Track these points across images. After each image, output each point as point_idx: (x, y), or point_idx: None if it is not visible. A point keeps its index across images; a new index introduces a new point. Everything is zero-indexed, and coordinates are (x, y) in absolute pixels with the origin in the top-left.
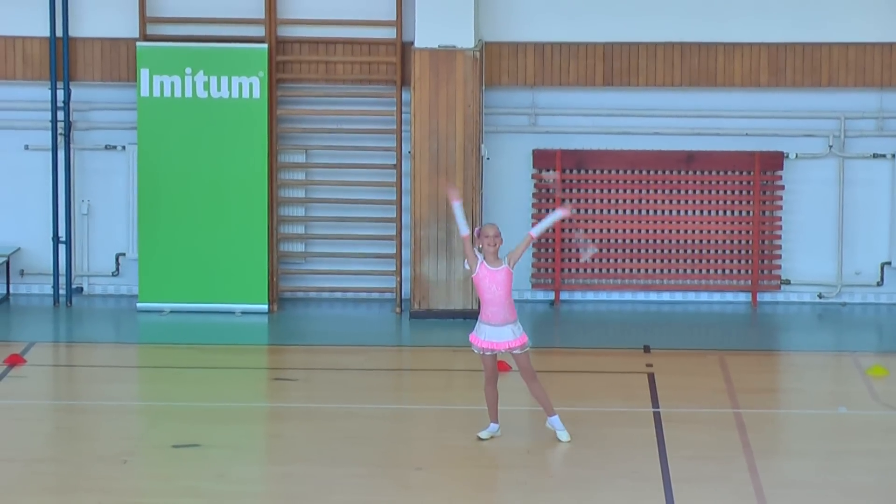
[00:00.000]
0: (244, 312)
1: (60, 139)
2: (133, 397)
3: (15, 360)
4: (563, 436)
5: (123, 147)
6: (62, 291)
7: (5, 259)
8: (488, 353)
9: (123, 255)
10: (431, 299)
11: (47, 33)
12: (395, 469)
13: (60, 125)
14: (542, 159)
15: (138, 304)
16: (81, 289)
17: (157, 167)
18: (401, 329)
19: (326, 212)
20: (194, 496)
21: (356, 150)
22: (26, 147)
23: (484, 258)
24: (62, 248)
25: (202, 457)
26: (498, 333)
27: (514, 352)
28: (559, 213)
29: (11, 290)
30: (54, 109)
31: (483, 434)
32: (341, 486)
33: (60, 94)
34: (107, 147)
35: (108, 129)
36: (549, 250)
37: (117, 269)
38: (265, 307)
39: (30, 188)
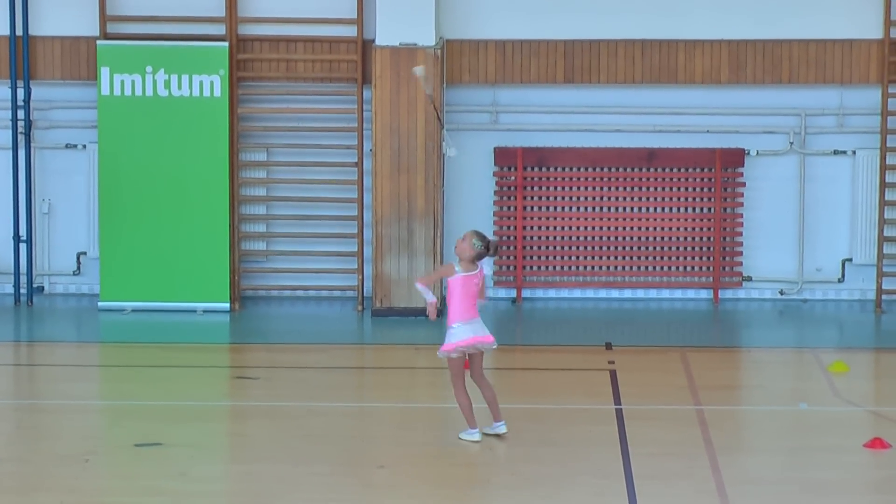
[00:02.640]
0: (206, 311)
1: (21, 138)
2: (95, 396)
3: None
4: (502, 428)
5: (84, 146)
6: (23, 290)
7: None
8: (472, 351)
9: (84, 253)
10: (393, 297)
11: (7, 31)
12: (357, 467)
13: (21, 124)
14: (504, 157)
15: (100, 303)
16: (42, 288)
17: (118, 166)
18: (363, 327)
19: (288, 210)
20: (156, 495)
21: (317, 148)
22: None
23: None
24: (23, 247)
25: (164, 456)
26: (480, 328)
27: (493, 347)
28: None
29: None
30: (14, 108)
31: (475, 437)
32: (304, 484)
33: (21, 92)
34: (67, 146)
35: (69, 127)
36: (511, 248)
37: (78, 267)
38: (227, 305)
39: None
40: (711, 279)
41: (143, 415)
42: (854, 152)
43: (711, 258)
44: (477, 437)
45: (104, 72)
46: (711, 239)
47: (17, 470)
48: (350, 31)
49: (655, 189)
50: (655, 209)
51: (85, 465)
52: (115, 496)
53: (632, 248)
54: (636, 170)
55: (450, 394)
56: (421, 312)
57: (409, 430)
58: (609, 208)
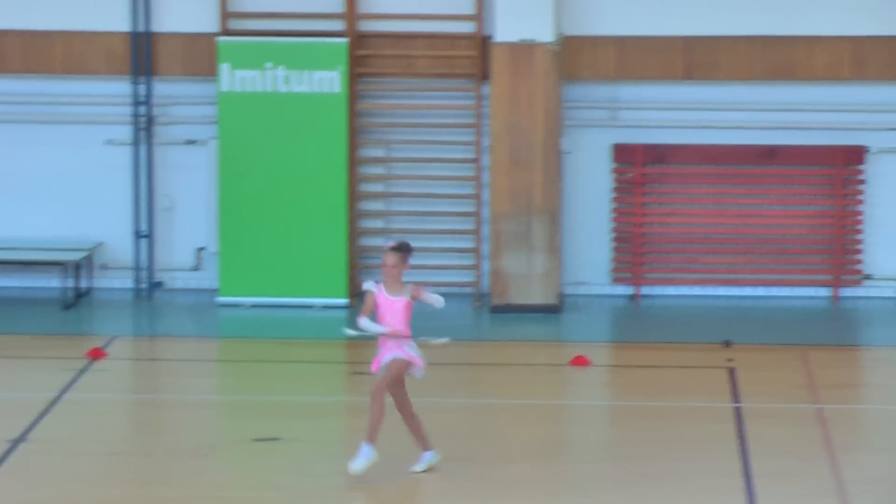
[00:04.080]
0: (324, 306)
1: (142, 134)
2: (213, 391)
3: (97, 354)
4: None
5: (204, 142)
6: (143, 285)
7: (87, 253)
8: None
9: (204, 249)
10: (511, 293)
11: (129, 28)
12: (475, 464)
13: (142, 120)
14: (623, 153)
15: (218, 299)
16: (162, 283)
17: (238, 162)
18: (481, 323)
19: (406, 206)
20: (274, 490)
21: (435, 144)
22: (108, 142)
23: (383, 283)
24: (143, 243)
25: (282, 451)
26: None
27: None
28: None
29: (94, 285)
30: (136, 104)
31: (420, 467)
32: (422, 481)
33: (142, 88)
34: (187, 142)
35: (189, 123)
36: (630, 245)
37: (198, 263)
38: (345, 301)
39: (111, 183)
40: (831, 277)
41: (261, 410)
42: None
43: (831, 256)
44: (422, 465)
45: (224, 68)
46: (831, 236)
47: (136, 463)
48: (469, 28)
49: (775, 186)
50: (774, 206)
51: (204, 459)
52: (233, 490)
53: (751, 245)
54: (756, 167)
55: (566, 391)
56: (539, 309)
57: (527, 427)
58: (728, 205)
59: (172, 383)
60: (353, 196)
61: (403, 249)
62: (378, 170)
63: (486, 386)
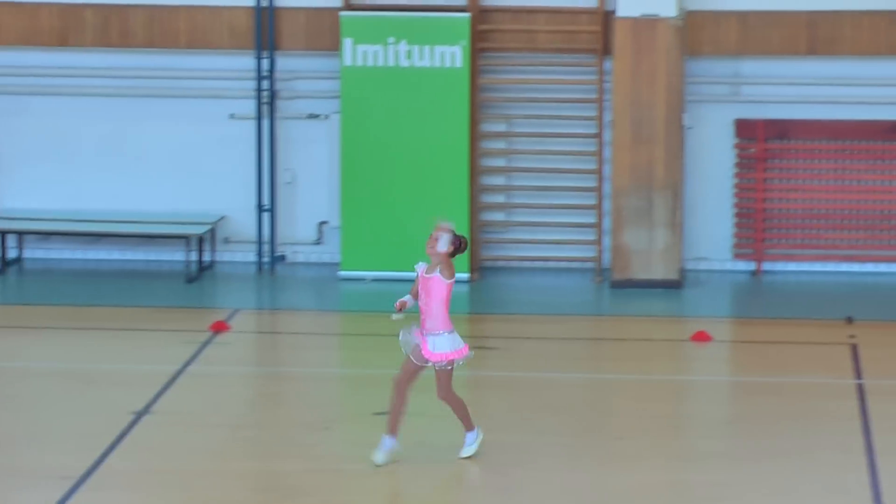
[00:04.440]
0: None
1: (265, 108)
2: (334, 365)
3: (219, 327)
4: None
5: (326, 116)
6: (265, 259)
7: (210, 227)
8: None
9: (326, 223)
10: (632, 268)
11: (253, 3)
12: (596, 439)
13: (265, 94)
14: (745, 129)
15: (340, 272)
16: (284, 257)
17: (360, 136)
18: (601, 298)
19: (527, 181)
20: (396, 463)
21: (557, 119)
22: (231, 116)
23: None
24: (266, 217)
25: (403, 424)
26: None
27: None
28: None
29: (216, 258)
30: (259, 79)
31: (380, 457)
32: (542, 454)
33: (265, 63)
34: (310, 116)
35: (312, 98)
36: (752, 220)
37: (320, 237)
38: (466, 276)
39: (234, 157)
40: None
41: (382, 383)
42: None
43: None
44: (383, 455)
45: (347, 42)
46: None
47: (258, 436)
48: (591, 2)
49: None
50: None
51: (325, 432)
52: (354, 463)
53: (873, 221)
54: (879, 142)
55: (687, 367)
56: (660, 284)
57: (647, 402)
58: (850, 181)
59: (294, 357)
60: (474, 171)
61: (454, 236)
62: (499, 144)
63: (607, 361)
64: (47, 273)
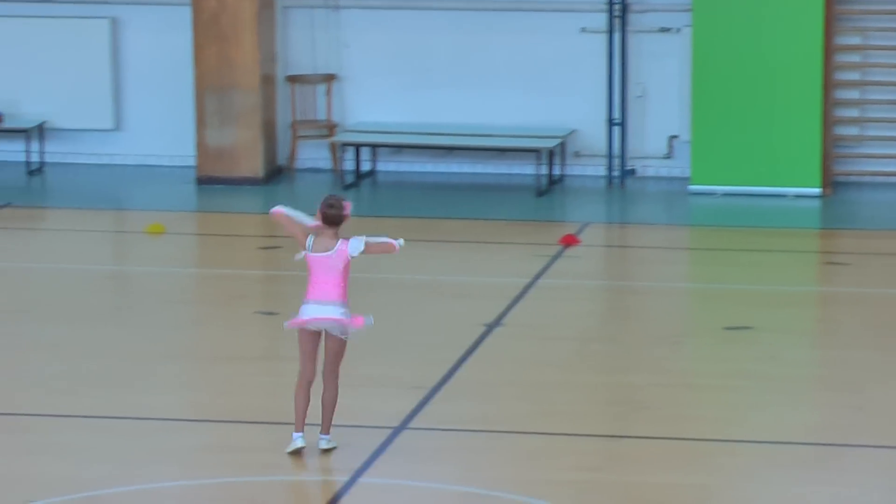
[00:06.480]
0: (796, 196)
1: (616, 22)
2: (684, 279)
3: (569, 241)
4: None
5: (678, 29)
6: (615, 173)
7: (561, 141)
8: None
9: (676, 137)
10: None
11: None
12: None
13: (616, 8)
14: None
15: (690, 187)
16: (634, 171)
17: (712, 50)
18: None
19: (883, 95)
20: (744, 378)
21: None
22: (582, 30)
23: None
24: (616, 131)
25: (753, 339)
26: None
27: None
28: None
29: (566, 172)
30: None
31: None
32: (892, 373)
33: None
34: (661, 30)
35: (663, 11)
36: None
37: (669, 151)
38: (818, 191)
39: (585, 71)
40: None
41: (731, 298)
42: None
43: None
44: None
45: None
46: None
47: (607, 350)
48: None
49: None
50: None
51: (675, 347)
52: (703, 378)
53: None
54: None
55: None
56: None
57: None
58: None
59: (643, 271)
60: (828, 84)
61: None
62: (854, 58)
63: None
64: (399, 186)
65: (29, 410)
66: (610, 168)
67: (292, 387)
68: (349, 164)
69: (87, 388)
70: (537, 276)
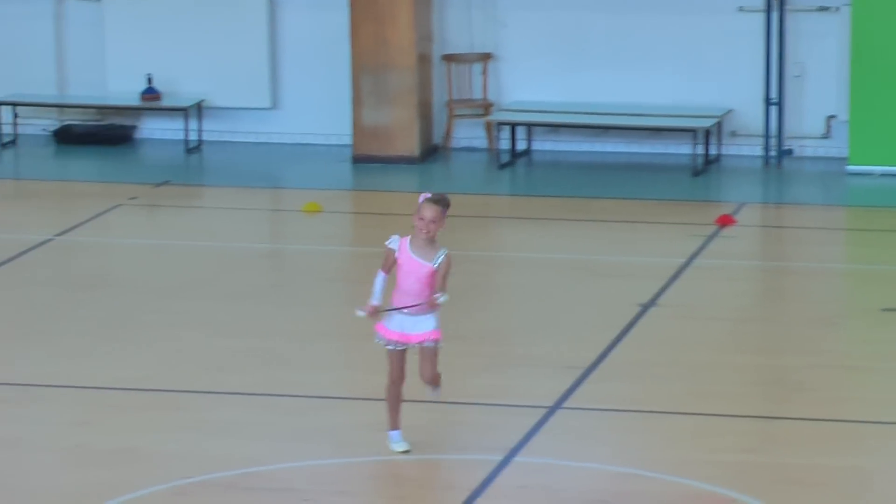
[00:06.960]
0: None
1: (774, 1)
2: (841, 260)
3: (726, 221)
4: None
5: (837, 9)
6: (772, 153)
7: (717, 120)
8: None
9: (834, 117)
10: None
11: None
12: None
13: None
14: None
15: (847, 167)
16: (791, 150)
17: (871, 29)
18: None
19: None
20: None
21: None
22: (740, 9)
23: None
24: (773, 111)
25: None
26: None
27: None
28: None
29: (722, 151)
30: None
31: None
32: None
33: None
34: (820, 9)
35: None
36: None
37: (827, 131)
38: None
39: (742, 50)
40: None
41: (889, 280)
42: None
43: None
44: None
45: None
46: None
47: (764, 330)
48: None
49: None
50: None
51: (831, 327)
52: (859, 360)
53: None
54: None
55: None
56: None
57: None
58: None
59: (800, 251)
60: None
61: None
62: None
63: None
64: (555, 165)
65: (185, 387)
66: (767, 148)
67: (448, 365)
68: (504, 144)
69: (243, 366)
70: (693, 257)
